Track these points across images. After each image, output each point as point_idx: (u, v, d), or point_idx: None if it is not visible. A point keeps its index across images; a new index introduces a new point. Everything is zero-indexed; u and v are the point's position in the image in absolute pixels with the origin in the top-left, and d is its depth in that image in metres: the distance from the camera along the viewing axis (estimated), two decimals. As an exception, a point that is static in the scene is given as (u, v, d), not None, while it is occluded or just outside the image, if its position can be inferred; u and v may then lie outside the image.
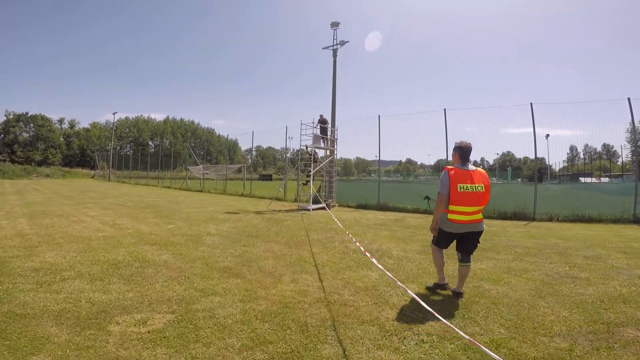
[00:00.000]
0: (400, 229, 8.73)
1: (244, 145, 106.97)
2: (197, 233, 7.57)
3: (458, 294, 3.70)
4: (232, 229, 8.17)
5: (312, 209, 12.44)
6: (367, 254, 4.71)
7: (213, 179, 27.57)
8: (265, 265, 5.08)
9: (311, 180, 12.42)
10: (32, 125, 68.39)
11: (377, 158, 14.80)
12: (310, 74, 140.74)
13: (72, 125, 73.63)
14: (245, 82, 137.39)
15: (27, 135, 68.02)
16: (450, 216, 3.60)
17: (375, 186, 15.89)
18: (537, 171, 13.03)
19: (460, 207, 3.53)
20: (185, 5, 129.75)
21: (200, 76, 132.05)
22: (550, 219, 10.99)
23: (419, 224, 9.63)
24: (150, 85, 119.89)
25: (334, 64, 16.11)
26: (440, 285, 3.91)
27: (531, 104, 11.41)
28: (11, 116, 66.29)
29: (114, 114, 46.44)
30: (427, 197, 13.38)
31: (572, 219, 10.91)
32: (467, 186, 3.49)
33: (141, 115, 76.99)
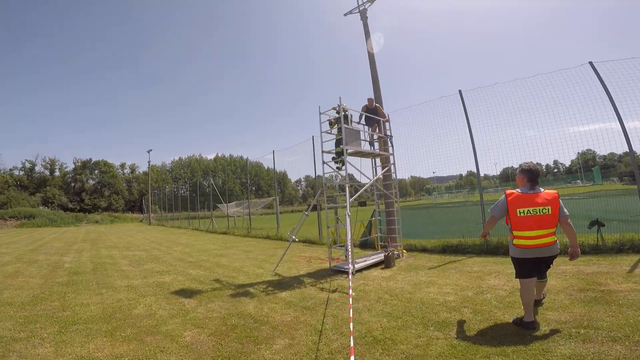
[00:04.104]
0: None
1: (293, 177, 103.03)
2: None
3: (537, 302, 3.75)
4: None
5: (357, 270, 6.20)
6: None
7: (241, 216, 22.60)
8: None
9: (347, 212, 6.01)
10: (96, 172, 71.30)
11: (474, 164, 8.08)
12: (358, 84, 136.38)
13: (132, 169, 75.97)
14: (290, 113, 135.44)
15: (93, 182, 71.04)
16: (515, 241, 3.47)
17: (469, 211, 9.21)
18: None
19: (523, 231, 3.37)
20: (229, 50, 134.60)
21: (247, 113, 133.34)
22: None
23: None
24: (202, 127, 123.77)
25: (365, 28, 10.14)
26: (526, 323, 3.31)
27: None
28: (79, 163, 69.77)
29: (148, 152, 44.53)
30: (596, 223, 6.46)
31: None
32: (527, 210, 3.35)
33: (193, 155, 77.46)
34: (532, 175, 3.45)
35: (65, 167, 68.16)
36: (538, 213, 3.31)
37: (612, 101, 6.24)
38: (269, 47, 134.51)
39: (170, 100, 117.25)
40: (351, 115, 7.68)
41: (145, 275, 7.21)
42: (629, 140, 6.39)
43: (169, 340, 3.57)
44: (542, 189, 3.44)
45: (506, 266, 6.00)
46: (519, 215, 3.35)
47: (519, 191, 3.46)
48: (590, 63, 6.40)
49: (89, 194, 68.60)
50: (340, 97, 6.99)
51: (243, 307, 4.69)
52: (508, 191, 3.48)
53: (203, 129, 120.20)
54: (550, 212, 3.32)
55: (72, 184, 69.18)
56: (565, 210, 3.42)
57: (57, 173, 66.74)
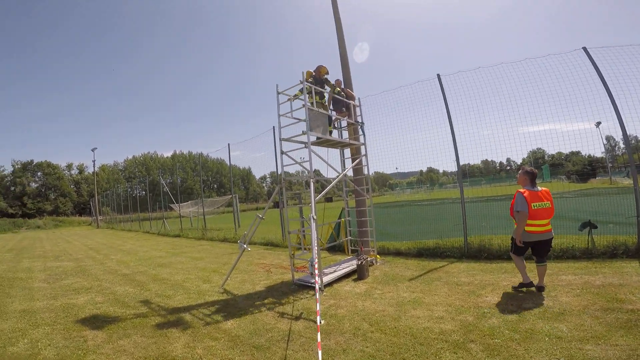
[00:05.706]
0: None
1: (259, 173, 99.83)
2: None
3: (540, 288, 4.16)
4: None
5: (326, 283, 5.08)
6: None
7: (196, 217, 20.80)
8: None
9: (312, 214, 4.87)
10: (39, 174, 65.16)
11: (454, 156, 7.23)
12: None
13: (80, 170, 69.78)
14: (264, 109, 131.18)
15: (36, 185, 64.82)
16: (527, 228, 4.14)
17: (445, 209, 8.38)
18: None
19: (535, 221, 4.09)
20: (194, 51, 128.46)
21: (217, 111, 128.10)
22: None
23: None
24: (167, 127, 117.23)
25: None
26: (526, 284, 4.27)
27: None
28: (18, 166, 63.42)
29: (93, 150, 40.22)
30: (588, 224, 5.82)
31: None
32: (538, 204, 4.07)
33: (148, 152, 72.56)
34: (533, 176, 4.21)
35: (3, 171, 61.83)
36: (543, 206, 4.07)
37: (608, 91, 5.54)
38: (249, 42, 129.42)
39: (140, 108, 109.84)
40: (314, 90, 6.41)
41: (56, 294, 5.66)
42: (625, 133, 5.69)
43: None
44: (539, 187, 4.17)
45: (497, 275, 5.10)
46: (533, 208, 4.03)
47: (528, 189, 4.13)
48: (584, 49, 5.69)
49: (31, 197, 62.27)
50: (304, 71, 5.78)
51: (168, 345, 3.40)
52: (521, 190, 4.16)
53: (171, 128, 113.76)
54: (550, 206, 4.11)
55: (12, 188, 62.58)
56: None
57: (-7, 177, 60.11)
